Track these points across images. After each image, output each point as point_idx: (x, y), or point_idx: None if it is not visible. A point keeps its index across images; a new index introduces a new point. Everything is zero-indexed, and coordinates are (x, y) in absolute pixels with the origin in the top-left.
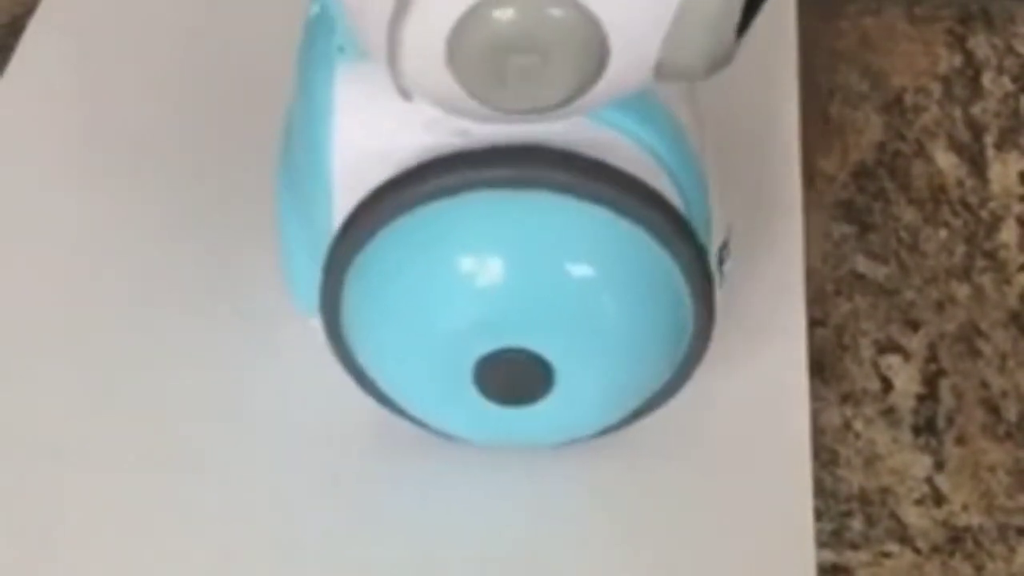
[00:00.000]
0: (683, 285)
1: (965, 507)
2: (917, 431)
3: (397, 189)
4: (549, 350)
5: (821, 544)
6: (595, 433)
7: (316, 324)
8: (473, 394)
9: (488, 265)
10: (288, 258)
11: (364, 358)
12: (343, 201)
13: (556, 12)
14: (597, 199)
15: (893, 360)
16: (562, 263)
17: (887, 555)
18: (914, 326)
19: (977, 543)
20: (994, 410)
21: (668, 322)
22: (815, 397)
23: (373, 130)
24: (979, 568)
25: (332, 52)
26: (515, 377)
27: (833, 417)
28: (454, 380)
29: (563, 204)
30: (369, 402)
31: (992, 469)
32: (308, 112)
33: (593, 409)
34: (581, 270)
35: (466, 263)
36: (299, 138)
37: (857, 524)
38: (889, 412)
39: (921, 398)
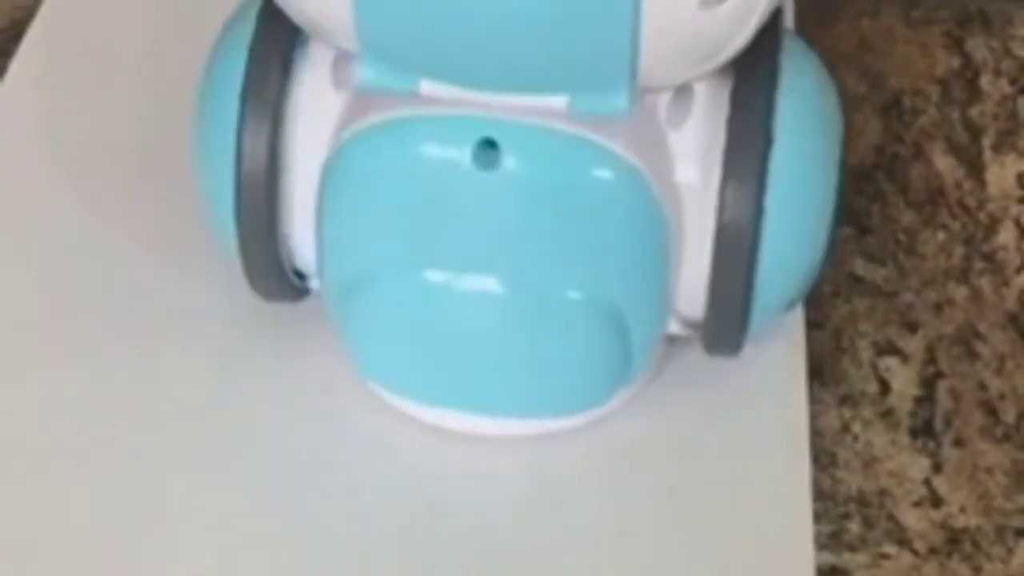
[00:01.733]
0: None
1: (963, 509)
2: (915, 433)
3: None
4: None
5: (819, 546)
6: None
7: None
8: None
9: None
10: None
11: None
12: None
13: None
14: None
15: (891, 362)
16: None
17: (885, 557)
18: (912, 328)
19: (975, 544)
20: (992, 412)
21: None
22: (813, 399)
23: None
24: (977, 569)
25: None
26: None
27: (831, 419)
28: None
29: None
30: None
31: (990, 471)
32: None
33: None
34: None
35: None
36: None
37: (855, 526)
38: (887, 414)
39: (919, 400)
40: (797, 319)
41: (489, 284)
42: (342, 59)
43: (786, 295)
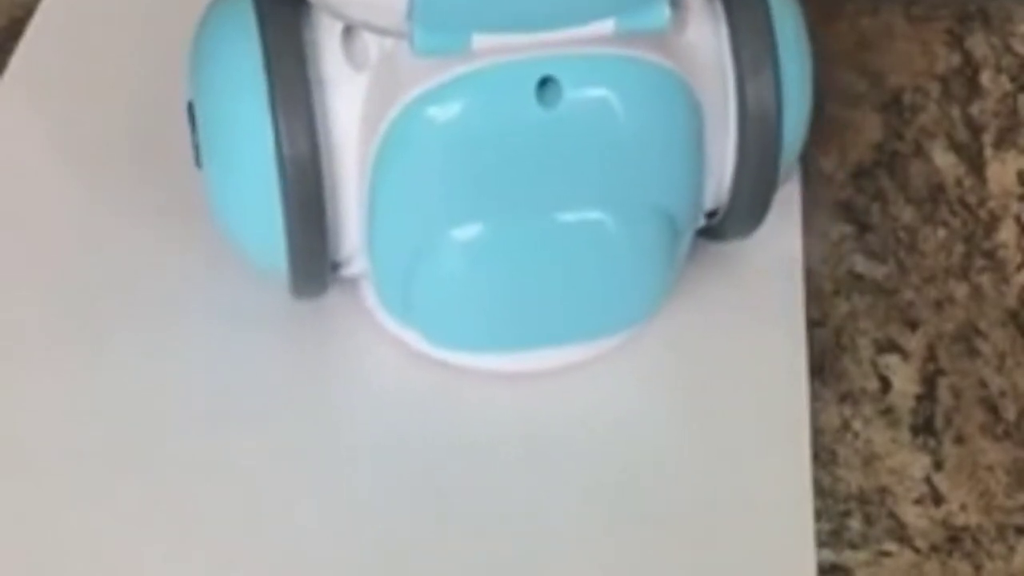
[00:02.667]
0: None
1: (964, 507)
2: (916, 431)
3: None
4: None
5: (820, 544)
6: None
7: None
8: None
9: None
10: None
11: None
12: None
13: None
14: None
15: (892, 360)
16: None
17: (886, 555)
18: (913, 326)
19: (976, 542)
20: (993, 410)
21: None
22: (814, 397)
23: None
24: (978, 567)
25: None
26: None
27: (832, 417)
28: None
29: None
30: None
31: (991, 468)
32: None
33: None
34: None
35: None
36: None
37: (856, 524)
38: (888, 412)
39: (920, 398)
40: (798, 316)
41: (555, 218)
42: (349, 36)
43: (787, 170)
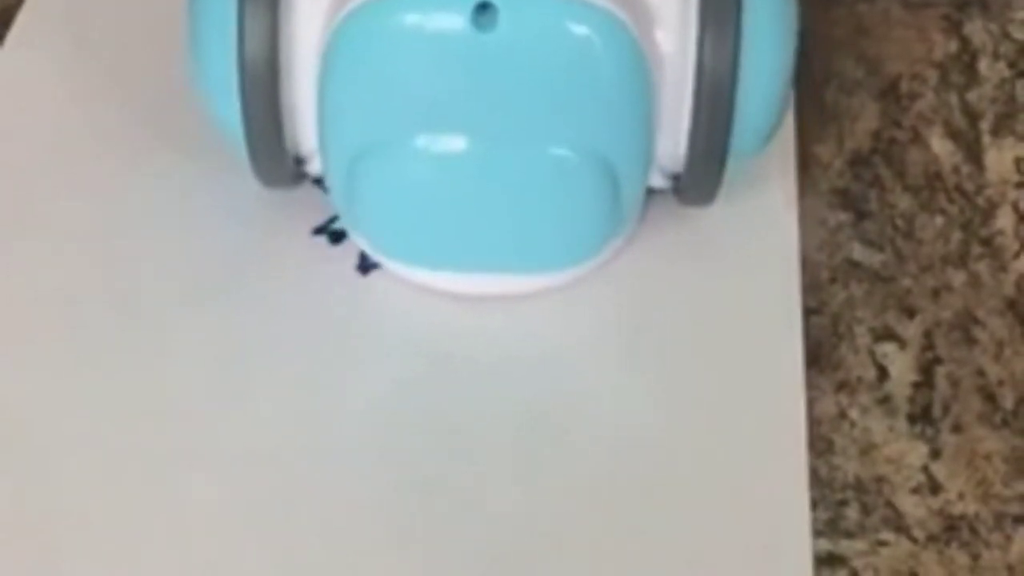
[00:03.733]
0: None
1: (961, 495)
2: (913, 419)
3: None
4: None
5: (817, 533)
6: None
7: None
8: None
9: None
10: None
11: None
12: None
13: None
14: None
15: (889, 348)
16: None
17: (883, 544)
18: (910, 314)
19: (973, 531)
20: (990, 398)
21: None
22: (810, 386)
23: None
24: (975, 557)
25: None
26: None
27: (829, 406)
28: None
29: None
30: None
31: (988, 457)
32: None
33: None
34: None
35: None
36: None
37: (853, 513)
38: (885, 400)
39: (917, 386)
40: (794, 305)
41: (492, 145)
42: None
43: (754, 142)
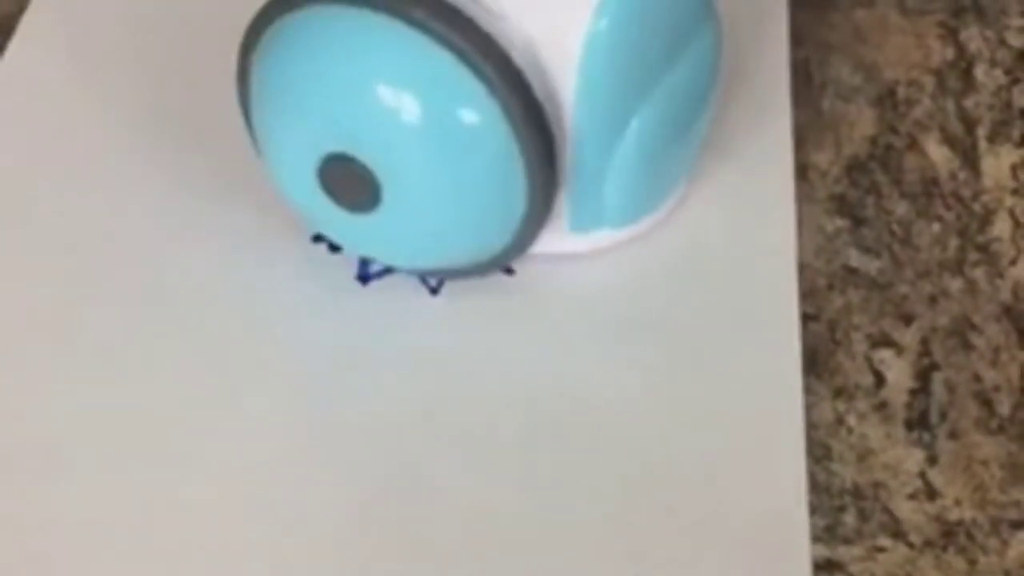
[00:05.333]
0: (510, 136)
1: (958, 501)
2: (910, 425)
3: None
4: (374, 162)
5: (814, 539)
6: (422, 267)
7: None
8: (322, 194)
9: (329, 72)
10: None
11: (265, 153)
12: None
13: None
14: (422, 27)
15: (886, 354)
16: (386, 82)
17: (880, 550)
18: (907, 320)
19: (970, 537)
20: (987, 404)
21: (490, 169)
22: (808, 392)
23: None
24: (972, 562)
25: None
26: (347, 183)
27: (826, 412)
28: (308, 177)
29: (389, 25)
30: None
31: (985, 463)
32: None
33: (417, 232)
34: (402, 92)
35: (311, 68)
36: None
37: (850, 519)
38: (882, 407)
39: (914, 392)
40: (791, 311)
41: None
42: None
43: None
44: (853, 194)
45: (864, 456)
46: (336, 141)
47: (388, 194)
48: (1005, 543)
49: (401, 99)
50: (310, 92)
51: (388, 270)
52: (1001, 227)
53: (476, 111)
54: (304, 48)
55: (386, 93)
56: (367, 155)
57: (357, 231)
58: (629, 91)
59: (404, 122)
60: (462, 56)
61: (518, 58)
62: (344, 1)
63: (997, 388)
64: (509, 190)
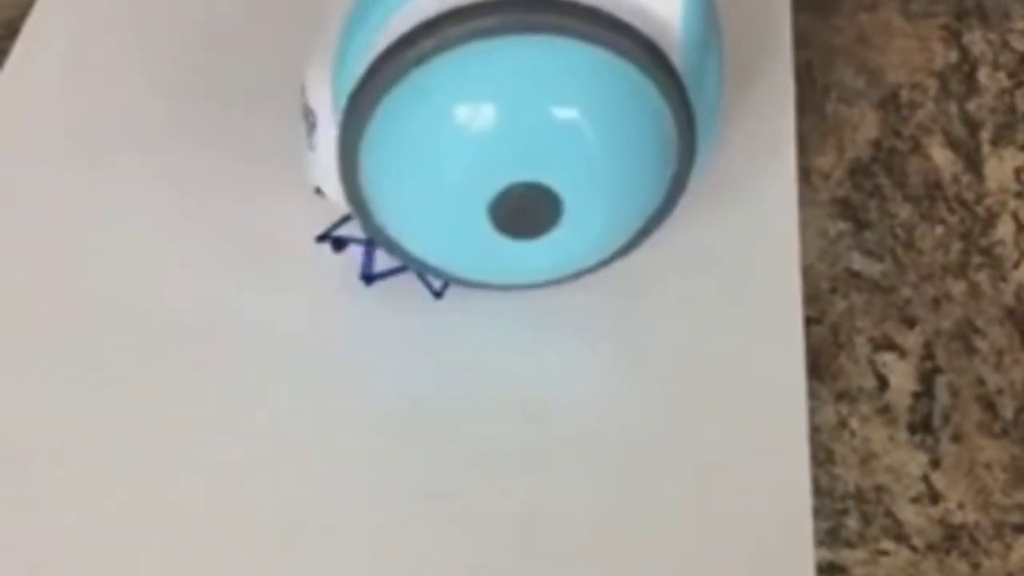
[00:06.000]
0: (667, 116)
1: (961, 505)
2: (913, 429)
3: (394, 53)
4: (556, 181)
5: (817, 543)
6: (601, 261)
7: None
8: (489, 233)
9: (492, 107)
10: None
11: (383, 217)
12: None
13: None
14: (584, 37)
15: (889, 358)
16: (559, 99)
17: (883, 553)
18: (910, 323)
19: (973, 540)
20: (990, 407)
21: (655, 148)
22: (811, 395)
23: None
24: (975, 566)
25: None
26: (527, 211)
27: (829, 415)
28: (472, 221)
29: (553, 45)
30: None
31: (988, 466)
32: None
33: (598, 233)
34: (577, 104)
35: (470, 109)
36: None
37: (853, 522)
38: (885, 410)
39: (917, 396)
40: (795, 314)
41: None
42: None
43: None
44: (856, 197)
45: (867, 459)
46: (518, 170)
47: (570, 208)
48: (1008, 546)
49: (585, 111)
50: (486, 128)
51: (392, 270)
52: (1004, 230)
53: (645, 103)
54: (469, 89)
55: (570, 109)
56: (551, 175)
57: (520, 259)
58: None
59: (587, 133)
60: (628, 57)
61: (658, 41)
62: (489, 34)
63: (1000, 391)
64: (666, 166)
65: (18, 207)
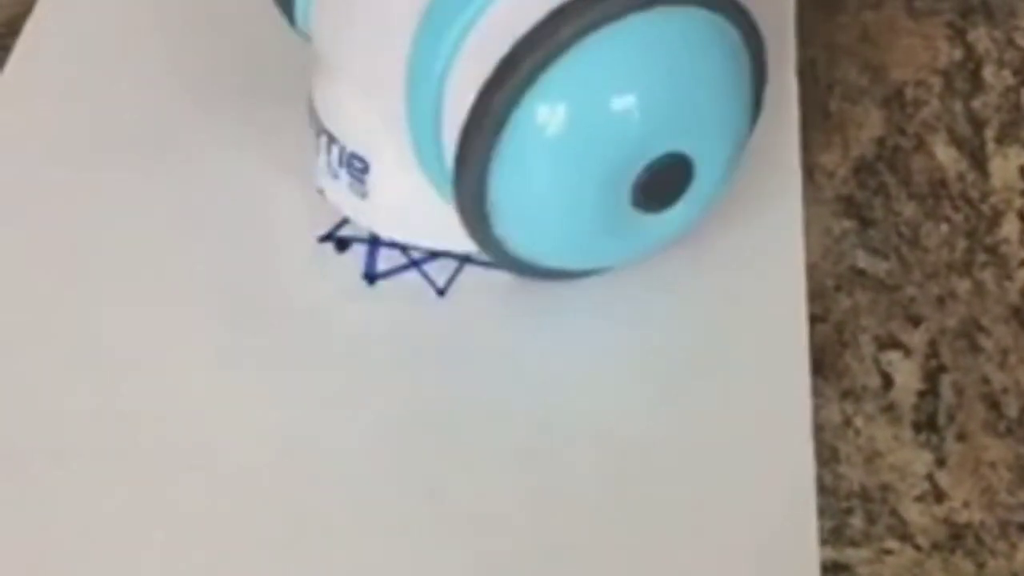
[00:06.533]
0: (749, 67)
1: (966, 504)
2: (918, 427)
3: (527, 47)
4: (689, 146)
5: (822, 542)
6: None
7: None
8: (629, 213)
9: (634, 87)
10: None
11: (506, 226)
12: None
13: None
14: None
15: (894, 356)
16: (689, 65)
17: (888, 552)
18: (915, 322)
19: (978, 540)
20: (995, 406)
21: (745, 96)
22: (815, 394)
23: None
24: (980, 565)
25: None
26: (666, 182)
27: (833, 414)
28: (614, 205)
29: (671, 15)
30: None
31: (993, 465)
32: None
33: (716, 185)
34: (702, 66)
35: (615, 94)
36: None
37: (858, 521)
38: (890, 409)
39: (922, 394)
40: (799, 313)
41: None
42: None
43: None
44: (861, 195)
45: (872, 458)
46: (660, 143)
47: (699, 169)
48: (1014, 546)
49: (711, 76)
50: (630, 109)
51: (395, 269)
52: (1009, 228)
53: (738, 57)
54: (609, 75)
55: (698, 73)
56: (686, 142)
57: (648, 232)
58: None
59: (709, 91)
60: (726, 15)
61: None
62: (622, 12)
63: (1005, 390)
64: (749, 111)
65: (18, 207)
